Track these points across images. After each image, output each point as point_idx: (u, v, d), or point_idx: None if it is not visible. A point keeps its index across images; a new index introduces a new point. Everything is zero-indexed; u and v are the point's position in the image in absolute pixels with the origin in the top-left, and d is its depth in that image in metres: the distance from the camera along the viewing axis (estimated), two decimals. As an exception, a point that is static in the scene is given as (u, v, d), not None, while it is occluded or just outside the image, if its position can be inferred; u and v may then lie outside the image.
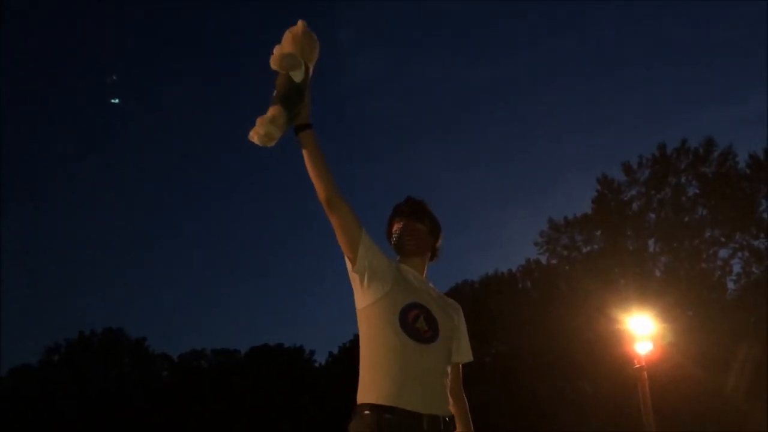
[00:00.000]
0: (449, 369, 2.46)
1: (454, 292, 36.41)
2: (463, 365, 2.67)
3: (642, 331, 15.62)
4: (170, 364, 47.26)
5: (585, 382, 26.61)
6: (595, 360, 22.72)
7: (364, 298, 2.42)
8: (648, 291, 22.65)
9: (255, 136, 2.42)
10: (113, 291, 74.80)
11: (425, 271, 2.60)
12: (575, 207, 48.81)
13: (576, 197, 56.68)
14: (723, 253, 27.90)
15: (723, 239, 27.26)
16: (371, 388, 2.31)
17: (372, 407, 2.26)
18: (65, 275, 76.16)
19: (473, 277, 38.12)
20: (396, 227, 2.58)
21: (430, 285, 2.58)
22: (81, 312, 78.78)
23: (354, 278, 2.44)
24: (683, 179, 28.01)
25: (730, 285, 28.02)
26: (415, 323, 2.35)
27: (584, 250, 29.92)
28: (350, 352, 34.37)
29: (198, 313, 75.65)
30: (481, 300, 31.48)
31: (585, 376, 25.89)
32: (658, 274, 27.58)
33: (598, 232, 29.42)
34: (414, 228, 2.56)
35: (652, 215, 28.60)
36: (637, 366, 15.54)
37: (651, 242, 28.64)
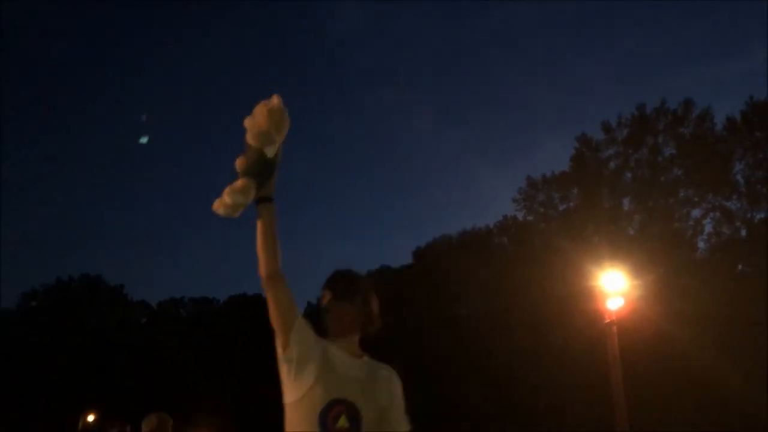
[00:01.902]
0: None
1: (432, 248, 36.82)
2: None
3: (613, 287, 16.01)
4: (149, 312, 47.45)
5: (557, 337, 27.26)
6: (567, 316, 23.24)
7: (290, 392, 2.37)
8: (621, 249, 23.09)
9: (221, 207, 2.48)
10: (91, 238, 74.41)
11: (356, 346, 2.50)
12: (554, 165, 49.35)
13: (555, 156, 57.13)
14: (695, 213, 28.53)
15: (696, 199, 27.79)
16: None
17: None
18: (43, 220, 75.46)
19: (452, 231, 38.57)
20: (324, 302, 2.51)
21: (363, 359, 2.48)
22: (58, 259, 78.35)
23: (282, 367, 2.39)
24: (660, 139, 28.35)
25: (701, 245, 28.72)
26: (336, 423, 2.28)
27: (560, 207, 30.36)
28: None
29: (176, 262, 75.71)
30: (457, 256, 31.89)
31: (557, 331, 26.51)
32: (631, 232, 28.11)
33: (575, 190, 29.79)
34: (340, 312, 2.46)
35: (629, 174, 29.00)
36: (607, 321, 16.00)
37: (626, 201, 29.12)
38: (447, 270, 30.82)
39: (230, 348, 37.42)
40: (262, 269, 2.42)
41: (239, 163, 2.48)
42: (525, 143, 65.99)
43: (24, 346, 37.24)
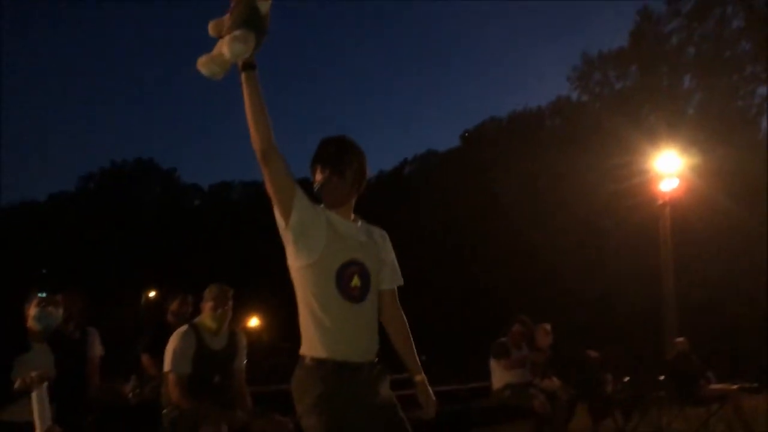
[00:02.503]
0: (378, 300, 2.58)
1: (480, 130, 36.12)
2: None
3: (668, 167, 15.49)
4: (201, 194, 48.63)
5: (607, 219, 26.86)
6: (619, 200, 22.78)
7: (298, 257, 2.47)
8: (678, 129, 22.13)
9: (209, 62, 2.31)
10: (145, 123, 75.50)
11: (351, 211, 2.60)
12: (612, 41, 46.87)
13: (613, 32, 54.34)
14: (762, 90, 26.96)
15: (764, 75, 26.15)
16: (312, 342, 2.43)
17: (313, 359, 2.41)
18: (96, 105, 76.59)
19: (501, 114, 37.67)
20: (317, 178, 2.55)
21: (359, 224, 2.61)
22: (112, 143, 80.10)
23: (287, 237, 2.49)
24: (729, 10, 26.36)
25: (765, 124, 27.37)
26: (350, 282, 2.44)
27: (617, 86, 29.06)
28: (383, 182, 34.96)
29: (228, 145, 76.51)
30: (506, 139, 31.23)
31: (607, 216, 26.09)
32: (690, 111, 26.87)
33: (633, 68, 28.34)
34: (334, 186, 2.52)
35: (692, 50, 27.30)
36: (660, 203, 15.59)
37: (686, 78, 27.63)
38: (495, 153, 30.33)
39: (276, 231, 38.19)
40: (257, 142, 2.37)
41: (214, 26, 2.33)
42: (580, 18, 62.65)
43: (83, 227, 38.77)
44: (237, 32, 2.22)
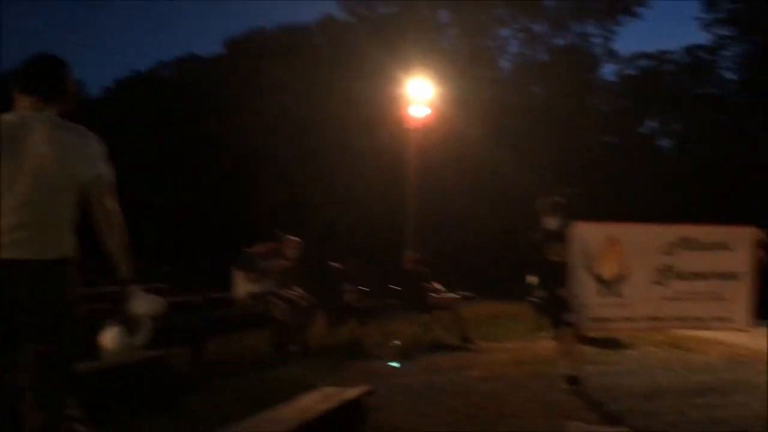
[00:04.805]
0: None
1: (247, 39, 35.00)
2: None
3: (419, 95, 16.47)
4: None
5: (365, 140, 27.85)
6: (375, 121, 23.74)
7: None
8: (432, 60, 23.48)
9: None
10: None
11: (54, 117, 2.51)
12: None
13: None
14: (504, 32, 29.62)
15: (508, 19, 28.69)
16: None
17: None
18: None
19: (270, 25, 36.76)
20: (17, 104, 2.49)
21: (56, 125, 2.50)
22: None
23: None
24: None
25: (506, 64, 30.20)
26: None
27: (380, 11, 29.83)
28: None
29: None
30: (273, 53, 30.64)
31: (363, 136, 27.04)
32: (444, 45, 28.61)
33: (399, -5, 29.19)
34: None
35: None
36: (409, 127, 16.65)
37: (444, 12, 29.24)
38: (262, 66, 29.65)
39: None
40: None
41: None
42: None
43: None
44: None
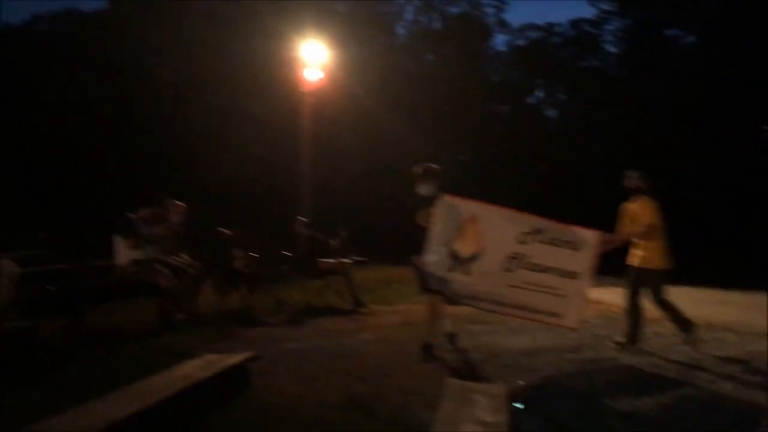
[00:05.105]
0: None
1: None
2: None
3: (313, 58, 16.19)
4: None
5: (256, 105, 27.20)
6: (269, 84, 23.19)
7: None
8: (328, 26, 23.17)
9: None
10: None
11: None
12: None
13: None
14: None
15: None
16: None
17: None
18: None
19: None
20: None
21: None
22: None
23: None
24: None
25: (401, 31, 30.26)
26: None
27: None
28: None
29: None
30: (159, 9, 29.18)
31: (257, 99, 26.39)
32: (339, 9, 28.26)
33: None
34: None
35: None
36: (304, 90, 16.36)
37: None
38: (145, 23, 28.12)
39: None
40: None
41: None
42: None
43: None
44: None
